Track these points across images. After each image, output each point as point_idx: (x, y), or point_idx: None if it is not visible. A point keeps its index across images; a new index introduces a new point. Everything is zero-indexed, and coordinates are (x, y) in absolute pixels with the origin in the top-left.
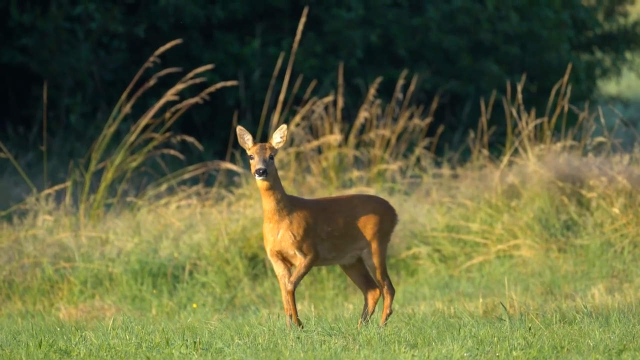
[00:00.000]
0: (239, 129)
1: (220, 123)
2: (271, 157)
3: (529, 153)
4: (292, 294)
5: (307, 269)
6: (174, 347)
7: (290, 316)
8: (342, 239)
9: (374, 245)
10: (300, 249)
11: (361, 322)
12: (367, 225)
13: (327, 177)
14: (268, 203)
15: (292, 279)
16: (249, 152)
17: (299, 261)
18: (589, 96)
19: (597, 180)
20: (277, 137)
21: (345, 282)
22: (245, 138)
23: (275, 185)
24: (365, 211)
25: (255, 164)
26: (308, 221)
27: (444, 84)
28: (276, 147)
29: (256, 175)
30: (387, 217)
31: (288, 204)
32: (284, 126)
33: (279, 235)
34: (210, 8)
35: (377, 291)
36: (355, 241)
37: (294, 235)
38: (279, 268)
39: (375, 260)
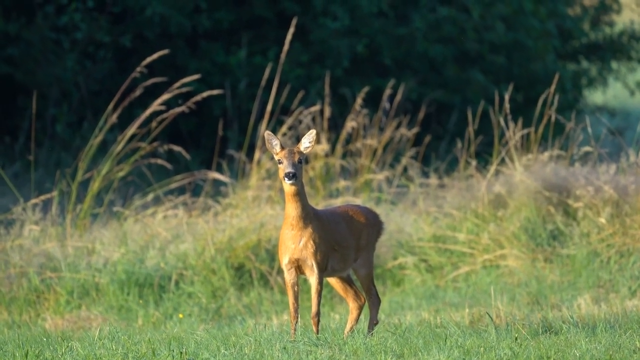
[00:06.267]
0: (267, 134)
1: (206, 132)
2: (300, 162)
3: (515, 163)
4: (318, 323)
5: (322, 285)
6: (160, 357)
7: (296, 324)
8: (348, 249)
9: (365, 255)
10: (316, 259)
11: (347, 332)
12: (362, 235)
13: (314, 187)
14: (294, 209)
15: (314, 309)
16: (276, 157)
17: (313, 277)
18: (575, 106)
19: (583, 190)
20: (306, 142)
21: (331, 292)
22: (273, 143)
23: (302, 191)
24: (359, 221)
25: (285, 167)
26: (326, 230)
27: (430, 93)
28: (304, 152)
29: (285, 179)
30: (376, 226)
31: (311, 212)
32: (313, 131)
33: (300, 243)
34: (196, 17)
35: (362, 299)
36: (355, 252)
37: (315, 244)
38: (290, 276)
39: (366, 270)
